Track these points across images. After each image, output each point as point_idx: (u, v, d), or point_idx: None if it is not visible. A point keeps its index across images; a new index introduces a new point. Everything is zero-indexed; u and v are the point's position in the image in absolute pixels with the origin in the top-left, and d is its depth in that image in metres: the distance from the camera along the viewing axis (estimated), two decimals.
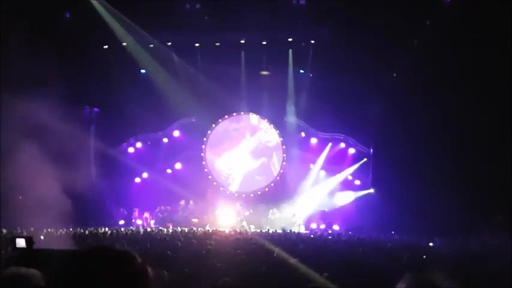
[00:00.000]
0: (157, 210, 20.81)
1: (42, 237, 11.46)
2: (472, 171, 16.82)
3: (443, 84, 17.32)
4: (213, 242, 11.35)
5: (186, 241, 11.99)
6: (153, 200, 20.88)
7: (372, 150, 21.29)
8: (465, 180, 16.87)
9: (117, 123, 20.21)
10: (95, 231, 14.94)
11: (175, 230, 16.96)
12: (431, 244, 13.73)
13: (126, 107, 19.56)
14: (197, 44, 20.48)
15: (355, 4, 16.79)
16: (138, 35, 19.30)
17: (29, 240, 4.36)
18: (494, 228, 14.45)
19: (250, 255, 8.59)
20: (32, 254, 4.08)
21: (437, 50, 17.17)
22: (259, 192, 21.91)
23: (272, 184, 22.04)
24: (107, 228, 16.08)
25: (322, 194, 21.07)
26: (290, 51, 21.19)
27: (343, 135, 21.86)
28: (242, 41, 20.53)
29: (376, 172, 20.93)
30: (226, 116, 22.40)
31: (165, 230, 17.06)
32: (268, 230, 18.72)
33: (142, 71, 21.24)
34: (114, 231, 15.46)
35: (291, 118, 22.07)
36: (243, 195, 21.84)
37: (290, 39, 20.52)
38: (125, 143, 21.92)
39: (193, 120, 22.14)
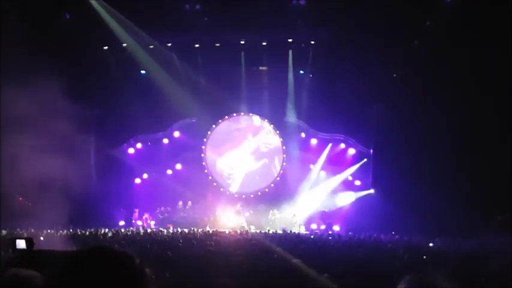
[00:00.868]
0: (157, 211, 20.80)
1: (42, 238, 11.46)
2: (472, 172, 16.82)
3: (443, 85, 17.34)
4: (213, 243, 11.36)
5: (186, 242, 12.00)
6: (153, 201, 20.87)
7: (372, 150, 21.26)
8: (465, 181, 16.87)
9: (118, 124, 20.21)
10: (95, 232, 14.95)
11: (176, 231, 16.97)
12: (431, 244, 13.73)
13: (126, 107, 19.57)
14: (197, 45, 20.49)
15: (355, 4, 16.79)
16: (138, 35, 19.30)
17: (29, 242, 4.35)
18: (494, 228, 14.45)
19: (250, 256, 8.60)
20: (32, 255, 4.07)
21: (437, 50, 17.18)
22: (259, 193, 21.90)
23: (272, 185, 22.03)
24: (107, 229, 16.07)
25: (323, 195, 21.04)
26: (290, 51, 21.19)
27: (343, 135, 21.83)
28: (242, 42, 20.52)
29: (376, 172, 20.91)
30: (227, 117, 22.39)
31: (165, 230, 17.06)
32: (269, 230, 18.73)
33: (143, 71, 21.25)
34: (114, 232, 15.47)
35: (291, 119, 22.05)
36: (243, 196, 21.83)
37: (290, 40, 20.51)
38: (125, 144, 21.89)
39: (194, 120, 22.12)
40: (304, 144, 22.15)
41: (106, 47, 20.08)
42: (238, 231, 16.70)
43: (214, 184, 22.17)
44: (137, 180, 21.67)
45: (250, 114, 22.45)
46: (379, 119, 19.57)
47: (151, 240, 12.71)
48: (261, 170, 22.27)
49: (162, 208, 20.80)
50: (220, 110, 21.81)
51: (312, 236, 15.74)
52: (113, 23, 18.77)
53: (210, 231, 16.78)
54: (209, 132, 22.34)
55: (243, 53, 21.13)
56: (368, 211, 19.43)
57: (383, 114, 19.27)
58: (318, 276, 6.53)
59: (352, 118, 20.28)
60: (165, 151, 22.10)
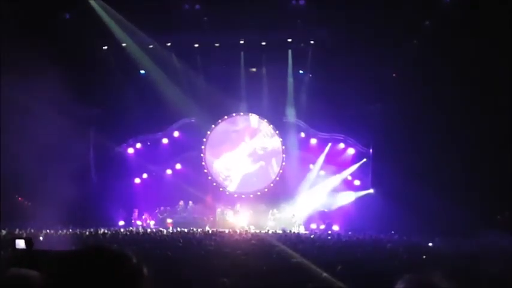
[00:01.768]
0: (156, 211, 20.80)
1: (41, 238, 11.46)
2: (472, 171, 16.83)
3: (443, 84, 17.35)
4: (213, 243, 11.36)
5: (186, 242, 12.00)
6: (153, 201, 20.87)
7: (371, 150, 21.27)
8: (465, 180, 16.88)
9: (117, 124, 20.19)
10: (95, 232, 14.94)
11: (175, 231, 16.97)
12: (430, 244, 13.73)
13: (125, 107, 19.57)
14: (196, 45, 20.48)
15: (354, 4, 16.80)
16: (137, 35, 19.30)
17: (28, 241, 4.36)
18: (494, 228, 14.46)
19: (250, 255, 8.59)
20: (31, 255, 4.08)
21: (437, 50, 17.19)
22: (258, 193, 21.89)
23: (272, 185, 22.03)
24: (106, 229, 16.07)
25: (322, 194, 21.05)
26: (289, 51, 21.20)
27: (342, 135, 21.84)
28: (241, 42, 20.52)
29: (375, 172, 20.91)
30: (226, 117, 22.39)
31: (165, 230, 17.06)
32: (268, 230, 18.74)
33: (142, 71, 21.23)
34: (114, 232, 15.46)
35: (291, 118, 22.06)
36: (243, 196, 21.83)
37: (289, 40, 20.52)
38: (125, 144, 21.88)
39: (193, 120, 22.13)
40: (304, 144, 22.15)
41: (105, 47, 20.07)
42: (238, 231, 16.69)
43: (214, 184, 22.17)
44: (137, 180, 21.65)
45: (250, 114, 22.45)
46: (379, 118, 19.57)
47: (151, 240, 12.71)
48: (257, 172, 22.25)
49: (162, 208, 20.80)
50: (220, 109, 21.80)
51: (311, 236, 15.73)
52: (112, 23, 18.77)
53: (210, 231, 16.78)
54: (208, 132, 22.33)
55: (242, 53, 21.13)
56: (367, 211, 19.44)
57: (382, 113, 19.27)
58: (318, 276, 6.53)
59: (352, 118, 20.28)
60: (165, 151, 22.09)
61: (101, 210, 18.99)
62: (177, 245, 10.96)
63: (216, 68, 21.29)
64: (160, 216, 20.57)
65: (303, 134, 22.20)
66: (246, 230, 17.75)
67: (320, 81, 20.70)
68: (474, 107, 16.45)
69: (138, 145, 22.13)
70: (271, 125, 22.37)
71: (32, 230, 12.75)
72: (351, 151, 21.85)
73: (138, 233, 15.96)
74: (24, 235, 11.01)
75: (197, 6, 18.44)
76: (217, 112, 21.94)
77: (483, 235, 13.60)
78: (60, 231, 13.71)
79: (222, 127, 22.50)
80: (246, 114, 22.46)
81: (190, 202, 20.95)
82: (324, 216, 20.80)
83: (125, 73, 20.05)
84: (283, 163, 22.17)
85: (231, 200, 21.54)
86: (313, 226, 20.50)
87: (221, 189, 22.12)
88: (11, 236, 10.49)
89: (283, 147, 22.24)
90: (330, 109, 19.74)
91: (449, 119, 17.45)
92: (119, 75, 19.69)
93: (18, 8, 13.05)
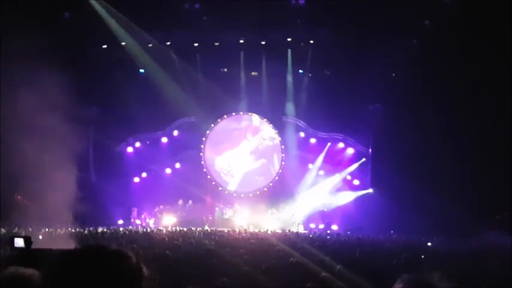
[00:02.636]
0: (156, 210, 20.78)
1: (40, 237, 11.45)
2: (472, 171, 16.84)
3: (443, 84, 17.35)
4: (212, 242, 11.36)
5: (185, 241, 12.00)
6: (152, 200, 20.86)
7: (370, 150, 21.29)
8: (464, 180, 16.89)
9: (116, 123, 20.16)
10: (94, 231, 14.93)
11: (175, 230, 16.96)
12: (429, 244, 13.74)
13: (125, 106, 19.55)
14: (196, 44, 20.47)
15: (354, 4, 16.79)
16: (137, 34, 19.28)
17: (27, 240, 4.35)
18: (493, 228, 14.48)
19: (249, 255, 8.60)
20: (30, 253, 4.07)
21: (437, 49, 17.19)
22: (258, 192, 21.90)
23: (271, 184, 22.04)
24: (105, 228, 16.06)
25: (321, 194, 21.06)
26: (289, 51, 21.20)
27: (342, 135, 21.86)
28: (241, 41, 20.51)
29: (375, 172, 20.93)
30: (225, 116, 22.40)
31: (164, 229, 17.05)
32: (267, 230, 18.73)
33: (141, 70, 21.21)
34: (113, 230, 15.45)
35: (290, 118, 22.07)
36: (242, 195, 21.84)
37: (289, 39, 20.52)
38: (124, 143, 21.88)
39: (193, 119, 22.13)
40: (303, 144, 22.17)
41: (105, 46, 20.05)
42: (237, 231, 16.69)
43: (213, 183, 22.17)
44: (136, 179, 21.65)
45: (249, 113, 22.45)
46: (378, 118, 19.59)
47: (150, 239, 12.71)
48: (259, 170, 22.28)
49: (161, 207, 20.79)
50: (219, 109, 21.82)
51: (310, 235, 15.74)
52: (112, 21, 18.75)
53: (209, 231, 16.78)
54: (208, 132, 22.33)
55: (242, 52, 21.12)
56: (367, 210, 19.46)
57: (382, 113, 19.28)
58: (317, 275, 6.53)
59: (351, 117, 20.30)
60: (164, 150, 22.10)
61: (100, 209, 18.95)
62: (176, 244, 10.96)
63: (216, 67, 21.29)
64: (160, 215, 20.56)
65: (302, 134, 22.22)
66: (245, 230, 17.75)
67: (319, 81, 20.71)
68: (474, 106, 16.44)
69: (138, 144, 22.12)
70: (271, 124, 22.38)
71: (31, 229, 12.73)
72: (350, 151, 21.87)
73: (137, 232, 15.96)
74: (23, 233, 11.00)
75: (197, 6, 18.42)
76: (217, 111, 21.95)
77: (482, 235, 13.63)
78: (59, 230, 13.69)
79: (224, 125, 22.53)
80: (246, 113, 22.46)
81: (189, 201, 20.94)
82: (323, 215, 20.82)
83: (124, 72, 20.02)
84: (283, 162, 22.18)
85: (230, 199, 21.55)
86: (313, 226, 20.51)
87: (220, 188, 22.12)
88: (10, 234, 10.49)
89: (283, 146, 22.25)
90: (330, 109, 19.75)
91: (448, 118, 17.45)
92: (118, 74, 19.66)
93: (18, 6, 13.02)
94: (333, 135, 21.91)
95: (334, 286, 6.12)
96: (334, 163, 21.71)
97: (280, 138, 22.29)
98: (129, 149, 22.05)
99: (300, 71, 21.84)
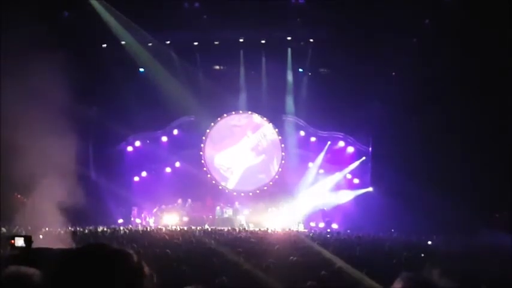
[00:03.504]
0: (156, 209, 20.78)
1: (41, 237, 11.44)
2: (471, 170, 16.84)
3: (442, 83, 17.34)
4: (212, 241, 11.37)
5: (185, 240, 12.01)
6: (152, 199, 20.86)
7: (370, 148, 21.30)
8: (464, 179, 16.90)
9: (116, 122, 20.14)
10: (94, 230, 14.94)
11: (175, 229, 16.97)
12: (429, 242, 13.76)
13: (125, 105, 19.54)
14: (196, 43, 20.46)
15: (354, 3, 16.78)
16: (136, 33, 19.27)
17: (27, 239, 4.36)
18: (493, 227, 14.49)
19: (249, 254, 8.60)
20: (30, 253, 4.08)
21: (437, 48, 17.18)
22: (258, 191, 21.91)
23: (271, 183, 22.03)
24: (105, 227, 16.06)
25: (321, 193, 21.06)
26: (289, 50, 21.19)
27: (342, 133, 21.86)
28: (241, 40, 20.51)
29: (375, 170, 20.94)
30: (225, 115, 22.40)
31: (164, 228, 17.06)
32: (267, 228, 18.73)
33: (141, 69, 21.21)
34: (113, 230, 15.46)
35: (290, 117, 22.07)
36: (242, 194, 21.85)
37: (289, 38, 20.51)
38: (124, 142, 21.88)
39: (193, 118, 22.13)
40: (303, 142, 22.17)
41: (105, 45, 20.04)
42: (237, 230, 16.71)
43: (213, 182, 22.18)
44: (136, 178, 21.66)
45: (249, 112, 22.45)
46: (378, 117, 19.58)
47: (150, 238, 12.72)
48: (260, 167, 22.28)
49: (163, 206, 20.78)
50: (219, 108, 21.81)
51: (310, 234, 15.75)
52: (111, 20, 18.74)
53: (209, 229, 16.79)
54: (208, 130, 22.34)
55: (242, 51, 21.12)
56: (367, 209, 19.46)
57: (382, 112, 19.27)
58: (318, 273, 6.54)
59: (351, 116, 20.28)
60: (164, 149, 22.09)
61: (100, 208, 18.98)
62: (176, 243, 10.98)
63: (216, 66, 21.28)
64: (160, 214, 20.56)
65: (302, 132, 22.21)
66: (245, 228, 17.76)
67: (319, 80, 20.70)
68: (474, 105, 16.44)
69: (138, 143, 22.12)
70: (271, 123, 22.38)
71: (31, 228, 12.72)
72: (350, 149, 21.88)
73: (137, 231, 15.97)
74: (23, 233, 11.01)
75: (196, 5, 18.42)
76: (217, 110, 21.94)
77: (482, 234, 13.64)
78: (59, 230, 13.69)
79: (223, 123, 22.52)
80: (246, 112, 22.46)
81: (189, 200, 20.95)
82: (324, 214, 20.82)
83: (124, 71, 20.01)
84: (283, 161, 22.18)
85: (230, 198, 21.55)
86: (313, 224, 20.51)
87: (220, 187, 22.13)
88: (10, 233, 10.49)
89: (283, 145, 22.25)
90: (330, 107, 19.74)
91: (448, 117, 17.45)
92: (118, 73, 19.64)
93: (17, 5, 13.01)
94: (333, 134, 21.91)
95: (333, 285, 6.13)
96: (334, 162, 21.71)
97: (280, 137, 22.29)
98: (129, 148, 22.06)
99: (300, 69, 21.83)
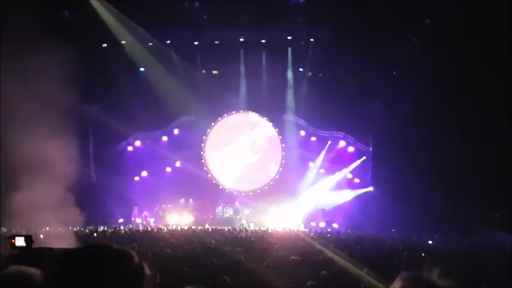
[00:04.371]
0: (156, 208, 20.79)
1: (41, 236, 11.45)
2: (471, 170, 16.84)
3: (443, 83, 17.34)
4: (213, 241, 11.38)
5: (186, 239, 12.01)
6: (153, 199, 20.86)
7: (371, 148, 21.30)
8: (464, 179, 16.89)
9: (117, 122, 20.15)
10: (94, 229, 14.94)
11: (175, 229, 16.98)
12: (430, 242, 13.75)
13: (125, 105, 19.53)
14: (196, 43, 20.46)
15: (354, 3, 16.78)
16: (137, 33, 19.28)
17: (28, 239, 4.36)
18: (494, 227, 14.48)
19: (249, 253, 8.61)
20: (31, 252, 4.08)
21: (437, 48, 17.18)
22: (258, 191, 21.92)
23: (271, 182, 22.04)
24: (106, 227, 16.07)
25: (322, 192, 21.06)
26: (289, 49, 21.19)
27: (342, 133, 21.87)
28: (241, 39, 20.51)
29: (375, 170, 20.94)
30: (226, 114, 22.40)
31: (165, 228, 17.07)
32: (268, 228, 18.74)
33: (142, 69, 21.21)
34: (114, 229, 15.47)
35: (290, 116, 22.07)
36: (243, 194, 21.86)
37: (289, 38, 20.51)
38: (124, 142, 21.89)
39: (193, 118, 22.13)
40: (304, 142, 22.16)
41: (105, 45, 20.04)
42: (238, 229, 16.71)
43: (214, 182, 22.19)
44: (136, 178, 21.66)
45: (250, 111, 22.46)
46: (379, 116, 19.57)
47: (151, 238, 12.73)
48: (258, 166, 22.28)
49: (163, 205, 20.79)
50: (220, 107, 21.81)
51: (311, 234, 15.74)
52: (112, 20, 18.74)
53: (210, 229, 16.79)
54: (208, 130, 22.35)
55: (242, 51, 21.12)
56: (367, 209, 19.46)
57: (382, 111, 19.27)
58: (318, 273, 6.54)
59: (352, 116, 20.27)
60: (165, 149, 22.09)
61: (101, 207, 18.99)
62: (177, 243, 10.98)
63: (216, 65, 21.27)
64: (161, 214, 20.57)
65: (302, 132, 22.22)
66: (246, 228, 17.76)
67: (320, 79, 20.70)
68: (474, 105, 16.43)
69: (138, 143, 22.13)
70: (271, 123, 22.38)
71: (31, 228, 12.73)
72: (350, 149, 21.88)
73: (138, 230, 15.97)
74: (24, 232, 11.01)
75: (196, 4, 18.41)
76: (217, 110, 21.95)
77: (482, 233, 13.63)
78: (60, 229, 13.70)
79: (224, 122, 22.52)
80: (246, 111, 22.46)
81: (190, 200, 20.96)
82: (324, 214, 20.82)
83: (124, 71, 20.01)
84: (283, 161, 22.19)
85: (230, 198, 21.56)
86: (313, 224, 20.50)
87: (221, 186, 22.14)
88: (11, 233, 10.49)
89: (283, 145, 22.26)
90: (330, 107, 19.73)
91: (448, 117, 17.44)
92: (118, 73, 19.64)
93: (17, 5, 13.01)
94: (333, 134, 21.91)
95: (333, 284, 6.14)
96: (334, 161, 21.71)
97: (280, 137, 22.30)
98: (130, 148, 22.07)
99: (300, 69, 21.83)
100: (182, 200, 20.86)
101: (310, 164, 21.85)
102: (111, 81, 19.46)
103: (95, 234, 13.99)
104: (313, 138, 22.13)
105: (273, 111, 22.09)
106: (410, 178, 17.30)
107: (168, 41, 20.49)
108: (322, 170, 21.71)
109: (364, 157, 21.35)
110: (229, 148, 22.39)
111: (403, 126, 18.59)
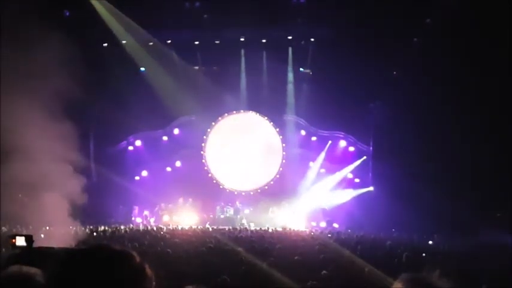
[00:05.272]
0: (156, 208, 20.80)
1: (42, 236, 11.46)
2: (472, 169, 16.84)
3: (443, 82, 17.33)
4: (213, 241, 11.37)
5: (186, 239, 12.02)
6: (153, 198, 20.87)
7: (371, 148, 21.30)
8: (465, 179, 16.89)
9: (117, 121, 20.14)
10: (95, 229, 14.95)
11: (175, 228, 16.98)
12: (430, 242, 13.75)
13: (125, 105, 19.53)
14: (197, 42, 20.45)
15: (355, 2, 16.77)
16: (137, 33, 19.27)
17: (28, 239, 4.37)
18: (494, 227, 14.48)
19: (250, 253, 8.61)
20: (31, 252, 4.08)
21: (438, 48, 17.17)
22: (259, 191, 21.92)
23: (272, 182, 22.05)
24: (106, 227, 16.07)
25: (322, 192, 21.07)
26: (290, 49, 21.18)
27: (342, 133, 21.88)
28: (242, 39, 20.51)
29: (375, 170, 20.95)
30: (226, 114, 22.40)
31: (165, 227, 17.08)
32: (268, 228, 18.74)
33: (142, 69, 21.21)
34: (114, 229, 15.47)
35: (291, 116, 22.07)
36: (243, 193, 21.86)
37: (290, 37, 20.50)
38: (125, 141, 21.91)
39: (193, 118, 22.13)
40: (304, 142, 22.17)
41: (105, 44, 20.04)
42: (238, 229, 16.71)
43: (214, 181, 22.19)
44: (137, 178, 21.67)
45: (250, 111, 22.46)
46: (379, 116, 19.58)
47: (151, 238, 12.73)
48: (259, 166, 22.27)
49: (162, 205, 20.80)
50: (220, 107, 21.81)
51: (311, 234, 15.75)
52: (112, 20, 18.74)
53: (210, 229, 16.80)
54: (209, 130, 22.35)
55: (242, 50, 21.12)
56: (368, 208, 19.47)
57: (383, 111, 19.27)
58: (318, 273, 6.55)
59: (352, 116, 20.28)
60: (165, 148, 22.10)
61: (101, 207, 18.98)
62: (177, 243, 10.99)
63: (216, 65, 21.27)
64: (161, 214, 20.57)
65: (303, 132, 22.23)
66: (246, 228, 17.77)
67: (320, 79, 20.69)
68: (474, 105, 16.43)
69: (138, 142, 22.14)
70: (272, 123, 22.38)
71: (31, 227, 12.73)
72: (351, 149, 21.89)
73: (138, 230, 15.98)
74: (25, 232, 11.01)
75: (197, 4, 18.41)
76: (217, 110, 21.95)
77: (483, 233, 13.63)
78: (60, 229, 13.70)
79: (224, 122, 22.51)
80: (246, 111, 22.46)
81: (190, 199, 20.96)
82: (324, 214, 20.82)
83: (125, 70, 20.01)
84: (283, 161, 22.19)
85: (231, 198, 21.56)
86: (314, 224, 20.50)
87: (221, 186, 22.14)
88: (11, 232, 10.49)
89: (284, 144, 22.26)
90: (330, 107, 19.73)
91: (449, 117, 17.43)
92: (118, 73, 19.65)
93: (17, 5, 13.01)
94: (333, 134, 21.92)
95: (334, 284, 6.14)
96: (335, 161, 21.72)
97: (281, 136, 22.30)
98: (130, 148, 22.08)
99: (301, 69, 21.82)
100: (181, 200, 20.86)
101: (311, 163, 21.85)
102: (112, 81, 19.46)
103: (95, 233, 13.98)
104: (314, 138, 22.13)
105: (273, 111, 22.09)
106: (411, 178, 17.30)
107: (169, 41, 20.49)
108: (322, 170, 21.71)
109: (365, 157, 21.35)
110: (230, 148, 22.39)
111: (404, 126, 18.59)
